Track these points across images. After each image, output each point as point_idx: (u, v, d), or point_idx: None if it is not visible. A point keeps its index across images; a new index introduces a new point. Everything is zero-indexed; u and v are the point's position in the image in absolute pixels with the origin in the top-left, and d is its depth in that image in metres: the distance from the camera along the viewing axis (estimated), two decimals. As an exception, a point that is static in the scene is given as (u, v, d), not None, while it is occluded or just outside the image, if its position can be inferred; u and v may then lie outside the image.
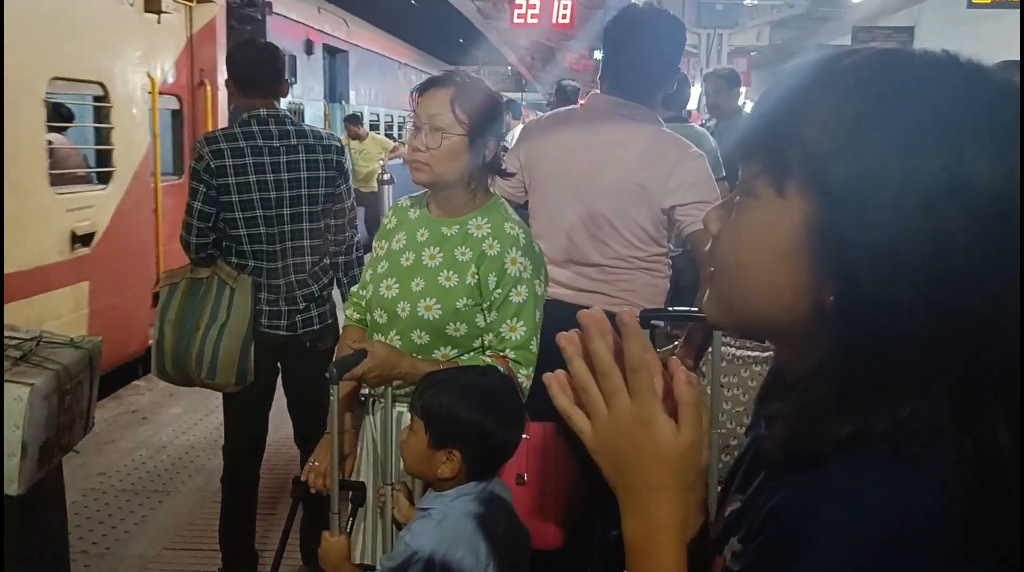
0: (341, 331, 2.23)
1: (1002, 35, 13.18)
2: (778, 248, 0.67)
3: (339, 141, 2.99)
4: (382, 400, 2.09)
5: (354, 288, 2.21)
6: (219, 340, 2.74)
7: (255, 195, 2.76)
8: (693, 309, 2.29)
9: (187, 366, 2.79)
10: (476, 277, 1.94)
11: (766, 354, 2.52)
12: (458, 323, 1.95)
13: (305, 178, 2.83)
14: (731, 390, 2.48)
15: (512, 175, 2.04)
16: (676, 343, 2.40)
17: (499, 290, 1.93)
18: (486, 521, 1.66)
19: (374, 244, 2.17)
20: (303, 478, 2.01)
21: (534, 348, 1.94)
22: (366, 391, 2.11)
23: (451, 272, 1.95)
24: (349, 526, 1.89)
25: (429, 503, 1.68)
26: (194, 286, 2.82)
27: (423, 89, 1.99)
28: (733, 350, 2.50)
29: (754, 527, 0.66)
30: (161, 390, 5.25)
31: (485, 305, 1.95)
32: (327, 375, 1.77)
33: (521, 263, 1.93)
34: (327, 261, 3.00)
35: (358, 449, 2.09)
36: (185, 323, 2.79)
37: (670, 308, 2.30)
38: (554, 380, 0.74)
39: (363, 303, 2.14)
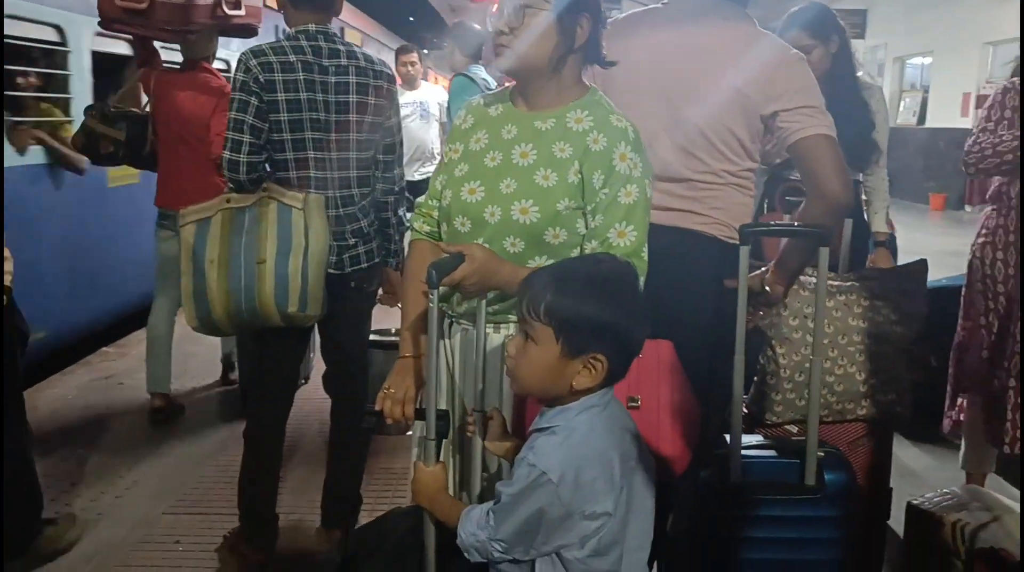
0: (407, 247, 1.98)
1: (960, 18, 13.31)
2: None
3: (391, 69, 2.68)
4: (462, 321, 1.86)
5: (420, 198, 1.96)
6: (305, 268, 2.44)
7: (305, 115, 2.47)
8: (794, 224, 2.10)
9: (261, 304, 2.44)
10: (579, 175, 1.72)
11: (848, 284, 2.35)
12: (557, 228, 1.72)
13: (355, 102, 2.54)
14: (813, 322, 2.29)
15: (613, 64, 1.81)
16: (764, 268, 2.20)
17: (606, 190, 1.71)
18: (615, 438, 1.44)
19: (444, 148, 1.93)
20: (378, 407, 1.76)
21: (645, 255, 1.73)
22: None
23: (549, 170, 1.73)
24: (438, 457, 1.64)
25: (548, 420, 1.45)
26: (237, 216, 2.48)
27: None
28: (814, 279, 2.32)
29: None
30: (135, 355, 4.91)
31: (589, 208, 1.72)
32: (425, 279, 1.53)
33: (631, 159, 1.72)
34: (373, 198, 2.72)
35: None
36: (236, 259, 2.45)
37: (772, 222, 2.10)
38: None
39: (434, 214, 1.90)
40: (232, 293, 2.45)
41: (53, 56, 4.79)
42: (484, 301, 1.67)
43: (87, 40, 4.88)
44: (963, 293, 3.00)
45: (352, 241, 2.63)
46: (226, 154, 2.44)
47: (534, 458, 1.39)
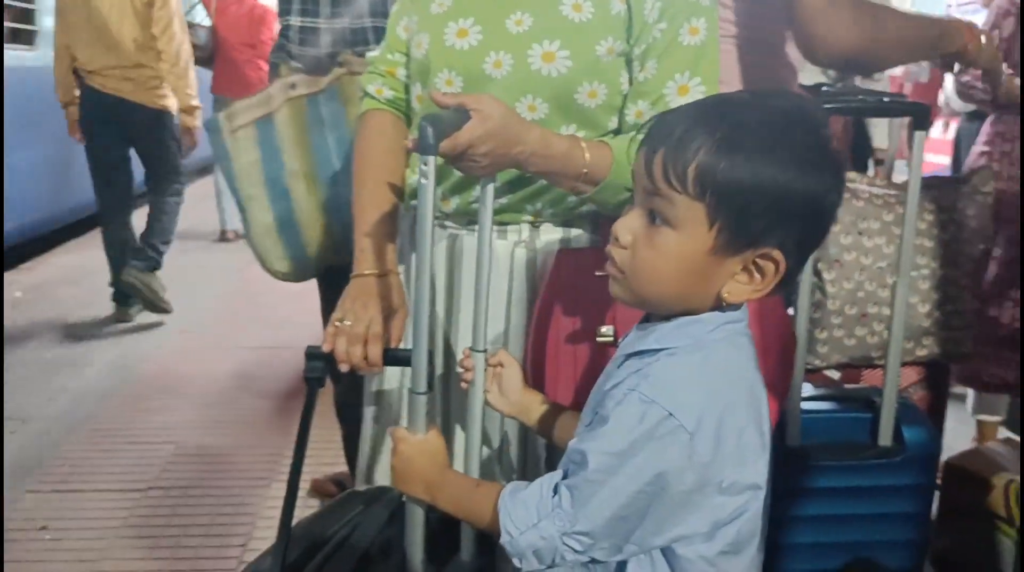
0: (357, 123, 1.38)
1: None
2: None
3: None
4: (447, 224, 1.30)
5: (373, 53, 1.38)
6: None
7: None
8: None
9: None
10: (626, 4, 1.17)
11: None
12: (595, 83, 1.18)
13: None
14: (871, 238, 1.82)
15: None
16: None
17: (663, 24, 1.17)
18: (759, 372, 0.92)
19: None
20: (326, 347, 1.19)
21: None
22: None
23: None
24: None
25: (661, 338, 0.88)
26: (310, 107, 1.76)
27: None
28: (866, 186, 1.84)
29: None
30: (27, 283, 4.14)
31: (637, 51, 1.18)
32: (410, 142, 0.96)
33: None
34: None
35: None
36: (327, 165, 1.74)
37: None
38: None
39: (398, 72, 1.32)
40: (331, 213, 1.75)
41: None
42: (491, 186, 1.10)
43: None
44: None
45: None
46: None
47: (651, 391, 0.84)
